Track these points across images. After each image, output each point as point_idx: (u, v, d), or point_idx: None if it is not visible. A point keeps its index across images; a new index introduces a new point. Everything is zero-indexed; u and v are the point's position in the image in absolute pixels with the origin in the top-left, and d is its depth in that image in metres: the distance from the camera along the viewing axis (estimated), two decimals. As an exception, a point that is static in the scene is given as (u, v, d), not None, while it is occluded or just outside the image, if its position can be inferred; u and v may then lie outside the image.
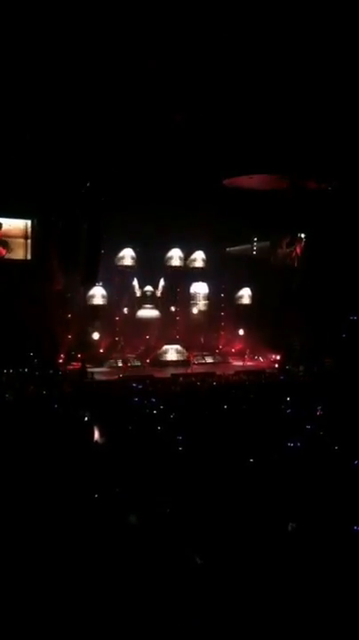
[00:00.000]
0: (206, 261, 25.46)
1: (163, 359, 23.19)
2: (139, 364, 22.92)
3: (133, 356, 23.46)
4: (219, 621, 4.29)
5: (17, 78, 12.45)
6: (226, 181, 18.12)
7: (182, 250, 24.91)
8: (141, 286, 25.03)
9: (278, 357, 23.57)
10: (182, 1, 10.16)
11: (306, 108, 13.65)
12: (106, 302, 23.46)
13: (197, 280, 25.78)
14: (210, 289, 25.94)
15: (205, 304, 25.87)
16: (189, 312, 25.85)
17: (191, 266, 25.44)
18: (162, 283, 25.40)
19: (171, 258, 24.91)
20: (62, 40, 11.18)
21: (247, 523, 5.99)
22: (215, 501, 6.54)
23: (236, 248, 26.04)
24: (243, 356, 24.51)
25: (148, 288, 25.17)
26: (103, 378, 19.71)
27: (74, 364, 21.11)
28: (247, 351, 24.85)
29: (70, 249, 19.90)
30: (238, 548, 5.40)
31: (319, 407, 12.37)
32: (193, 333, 25.35)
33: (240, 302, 26.00)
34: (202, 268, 25.52)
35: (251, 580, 4.85)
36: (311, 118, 14.10)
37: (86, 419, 11.63)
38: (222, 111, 13.90)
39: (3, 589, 4.60)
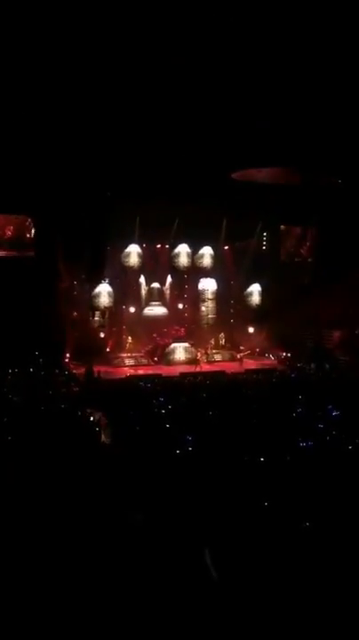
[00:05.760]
0: (214, 257, 24.99)
1: (172, 357, 22.78)
2: (147, 362, 22.65)
3: (141, 354, 23.15)
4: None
5: (22, 77, 12.23)
6: (234, 175, 17.68)
7: (190, 246, 24.41)
8: (148, 283, 24.74)
9: (289, 355, 23.15)
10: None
11: (318, 100, 13.28)
12: (112, 300, 23.18)
13: (205, 276, 25.40)
14: (218, 285, 25.53)
15: (213, 301, 25.50)
16: (198, 309, 25.49)
17: (199, 262, 24.97)
18: (169, 279, 25.08)
19: (178, 254, 24.34)
20: (64, 42, 10.94)
21: (259, 523, 5.72)
22: (225, 501, 6.26)
23: (245, 243, 25.53)
24: (253, 354, 24.10)
25: (155, 285, 24.85)
26: (110, 377, 19.37)
27: (80, 363, 20.78)
28: (257, 349, 24.45)
29: (75, 246, 19.57)
30: (250, 548, 5.12)
31: (331, 406, 12.01)
32: (201, 331, 25.02)
33: (249, 299, 25.42)
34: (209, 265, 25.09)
35: (265, 579, 4.61)
36: (322, 111, 13.72)
37: (92, 419, 11.36)
38: (231, 101, 13.50)
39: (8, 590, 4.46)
